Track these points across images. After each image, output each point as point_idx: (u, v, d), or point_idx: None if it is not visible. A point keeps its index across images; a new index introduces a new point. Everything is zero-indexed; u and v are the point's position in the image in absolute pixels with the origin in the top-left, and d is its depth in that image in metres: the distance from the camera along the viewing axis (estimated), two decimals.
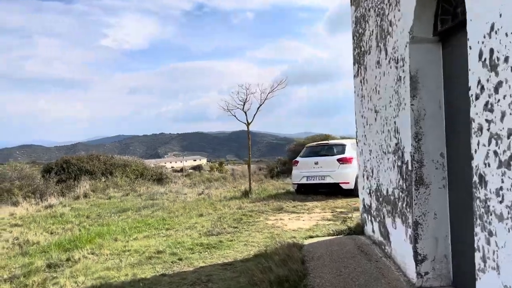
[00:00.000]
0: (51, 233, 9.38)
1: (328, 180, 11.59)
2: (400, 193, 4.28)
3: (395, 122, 4.42)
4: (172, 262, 5.82)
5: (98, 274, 5.48)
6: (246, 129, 13.21)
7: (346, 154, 11.70)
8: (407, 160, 4.01)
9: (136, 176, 20.70)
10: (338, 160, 11.60)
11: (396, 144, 4.38)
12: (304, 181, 12.07)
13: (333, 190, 11.72)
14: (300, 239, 6.45)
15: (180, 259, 5.93)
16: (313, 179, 11.85)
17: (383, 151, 4.95)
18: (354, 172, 11.39)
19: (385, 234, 4.95)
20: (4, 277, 5.69)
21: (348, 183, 11.33)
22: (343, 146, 12.09)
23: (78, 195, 16.11)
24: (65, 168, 19.33)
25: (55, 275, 5.62)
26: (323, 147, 12.50)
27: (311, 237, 6.63)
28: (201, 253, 6.26)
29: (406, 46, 3.94)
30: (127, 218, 10.46)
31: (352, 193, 11.37)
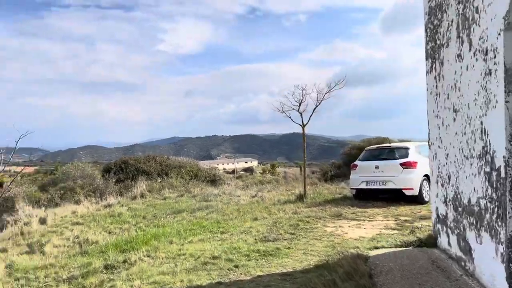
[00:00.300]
0: (109, 233, 9.53)
1: (389, 186, 10.90)
2: (488, 204, 3.72)
3: (481, 122, 3.86)
4: (228, 269, 5.57)
5: (154, 278, 5.35)
6: (297, 131, 12.81)
7: (410, 158, 10.95)
8: (499, 166, 3.46)
9: (190, 177, 20.91)
10: (401, 164, 10.88)
11: (483, 148, 3.83)
12: (363, 186, 11.45)
13: (395, 197, 11.00)
14: (364, 250, 5.97)
15: (237, 266, 5.66)
16: (373, 184, 11.20)
17: (464, 155, 4.38)
18: (418, 178, 10.64)
19: (466, 249, 4.38)
20: (63, 277, 5.72)
21: (412, 189, 10.58)
22: (406, 149, 11.34)
23: (135, 195, 16.48)
24: (123, 169, 19.91)
25: (111, 277, 5.56)
26: (384, 150, 11.79)
27: (376, 248, 6.13)
28: (257, 260, 5.96)
29: (499, 34, 3.40)
30: (182, 219, 10.42)
31: (416, 200, 10.61)
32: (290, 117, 12.76)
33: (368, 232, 7.50)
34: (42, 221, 11.45)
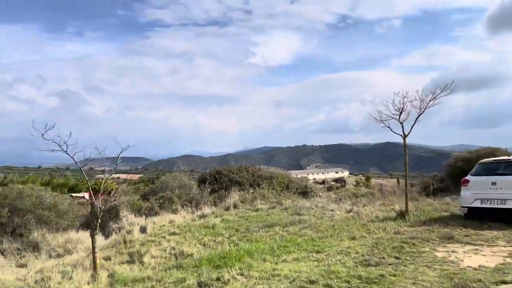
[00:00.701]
0: (204, 245, 9.57)
1: (510, 205, 9.47)
2: None
3: None
4: None
5: None
6: (391, 141, 11.89)
7: None
8: None
9: (281, 189, 20.69)
10: None
11: None
12: (477, 204, 10.11)
13: None
14: (490, 285, 5.06)
15: None
16: (490, 203, 9.82)
17: None
18: None
19: None
20: None
21: None
22: None
23: (228, 205, 16.66)
24: (218, 179, 20.35)
25: None
26: (502, 164, 10.29)
27: (505, 282, 5.16)
28: None
29: None
30: (275, 234, 10.12)
31: None
32: (389, 127, 11.84)
33: (489, 261, 6.46)
34: (143, 230, 11.97)
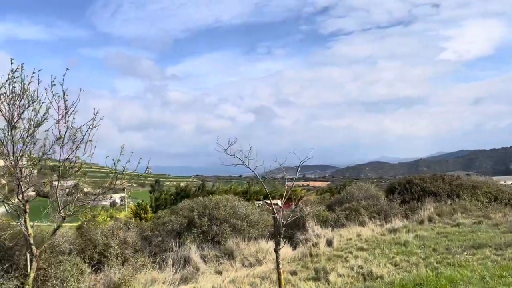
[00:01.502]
0: (395, 266, 8.56)
1: None
2: None
3: None
4: None
5: None
6: None
7: None
8: None
9: (488, 200, 17.57)
10: None
11: None
12: None
13: None
14: None
15: None
16: None
17: None
18: None
19: None
20: None
21: None
22: None
23: (422, 218, 14.94)
24: (408, 189, 18.61)
25: None
26: None
27: None
28: None
29: None
30: (485, 258, 8.36)
31: None
32: None
33: None
34: (329, 243, 11.60)
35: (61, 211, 6.79)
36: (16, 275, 6.73)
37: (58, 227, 7.02)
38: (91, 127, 6.73)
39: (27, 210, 6.73)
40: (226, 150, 6.41)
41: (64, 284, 7.35)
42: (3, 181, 6.88)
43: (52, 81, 6.40)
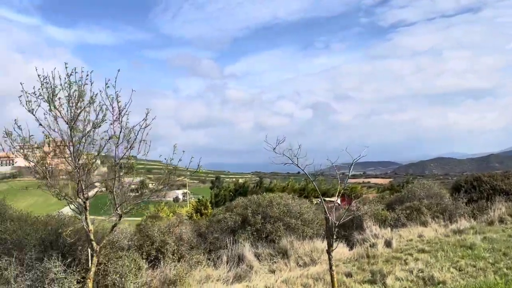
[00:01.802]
0: (460, 271, 7.98)
1: None
2: None
3: None
4: None
5: None
6: None
7: None
8: None
9: None
10: None
11: None
12: None
13: None
14: None
15: None
16: None
17: None
18: None
19: None
20: None
21: None
22: None
23: (492, 219, 13.86)
24: (476, 187, 17.38)
25: None
26: None
27: None
28: None
29: None
30: None
31: None
32: None
33: None
34: (387, 244, 11.10)
35: (118, 209, 7.06)
36: (78, 269, 7.08)
37: (116, 224, 7.31)
38: (143, 126, 6.93)
39: (87, 208, 7.07)
40: (274, 148, 6.30)
41: (123, 279, 7.63)
42: (64, 182, 7.24)
43: (106, 83, 6.65)
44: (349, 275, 8.43)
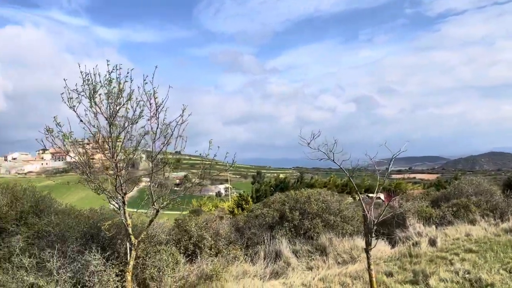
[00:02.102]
0: (510, 272, 7.48)
1: None
2: None
3: None
4: None
5: None
6: None
7: None
8: None
9: None
10: None
11: None
12: None
13: None
14: None
15: None
16: None
17: None
18: None
19: None
20: None
21: None
22: None
23: None
24: None
25: None
26: None
27: None
28: None
29: None
30: None
31: None
32: None
33: None
34: (432, 243, 10.63)
35: (155, 204, 7.16)
36: (117, 262, 7.25)
37: (152, 219, 7.41)
38: (179, 123, 6.96)
39: (125, 202, 7.21)
40: (309, 143, 6.13)
41: (161, 273, 7.74)
42: (103, 177, 7.41)
43: (144, 80, 6.73)
44: (389, 274, 8.12)
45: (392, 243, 11.64)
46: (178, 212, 11.15)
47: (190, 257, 9.28)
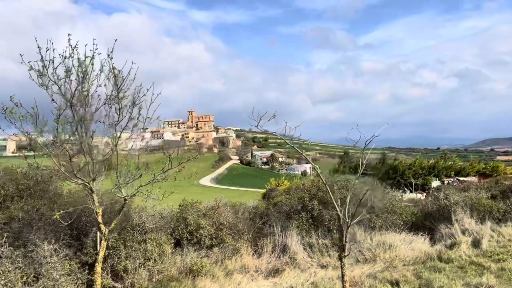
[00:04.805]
0: None
1: None
2: None
3: None
4: None
5: None
6: None
7: None
8: None
9: None
10: None
11: None
12: None
13: None
14: None
15: None
16: None
17: None
18: None
19: None
20: None
21: None
22: None
23: None
24: None
25: None
26: None
27: None
28: None
29: None
30: None
31: None
32: None
33: None
34: (476, 244, 8.80)
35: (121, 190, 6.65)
36: (86, 252, 6.92)
37: (122, 206, 6.91)
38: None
39: (94, 190, 6.79)
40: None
41: (136, 265, 7.30)
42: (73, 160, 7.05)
43: (108, 55, 6.12)
44: (394, 283, 6.72)
45: (434, 240, 9.94)
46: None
47: (186, 247, 8.70)
